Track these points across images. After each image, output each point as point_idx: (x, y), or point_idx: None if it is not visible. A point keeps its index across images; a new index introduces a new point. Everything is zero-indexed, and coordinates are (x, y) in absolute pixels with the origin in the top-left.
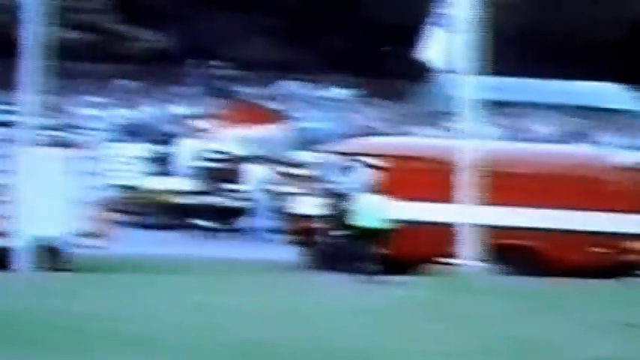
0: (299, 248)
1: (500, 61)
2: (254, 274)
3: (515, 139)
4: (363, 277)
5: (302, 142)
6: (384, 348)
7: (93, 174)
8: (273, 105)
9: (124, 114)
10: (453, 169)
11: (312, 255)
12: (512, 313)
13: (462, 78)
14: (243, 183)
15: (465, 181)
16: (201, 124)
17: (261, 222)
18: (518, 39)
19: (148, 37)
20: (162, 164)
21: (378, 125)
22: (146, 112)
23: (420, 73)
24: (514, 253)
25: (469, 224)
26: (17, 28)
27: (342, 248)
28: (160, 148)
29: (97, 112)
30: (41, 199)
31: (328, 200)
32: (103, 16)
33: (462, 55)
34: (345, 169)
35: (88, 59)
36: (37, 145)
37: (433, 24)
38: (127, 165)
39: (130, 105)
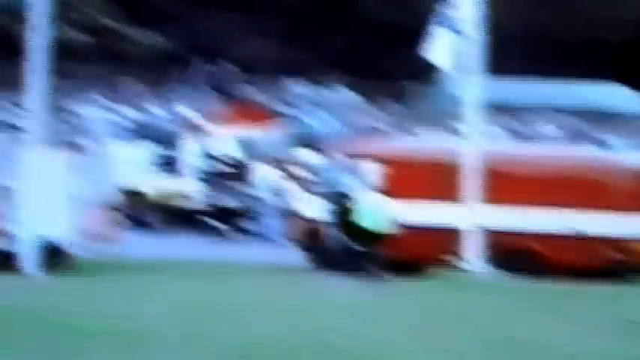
0: (303, 249)
1: (505, 62)
2: (258, 276)
3: (519, 140)
4: (366, 279)
5: (305, 143)
6: (387, 348)
7: (97, 175)
8: (275, 105)
9: (128, 115)
10: (457, 171)
11: (316, 256)
12: (514, 314)
13: (466, 79)
14: (248, 184)
15: (468, 183)
16: (204, 124)
17: (265, 223)
18: (523, 40)
19: (152, 38)
20: (166, 165)
21: (382, 126)
22: (150, 112)
23: (423, 73)
24: (517, 255)
25: (472, 226)
26: (22, 29)
27: (346, 249)
28: (165, 149)
29: (101, 113)
30: (46, 200)
31: (332, 201)
32: (107, 17)
33: (467, 56)
34: (349, 170)
35: (92, 60)
36: (42, 146)
37: (437, 24)
38: (132, 166)
39: (135, 106)
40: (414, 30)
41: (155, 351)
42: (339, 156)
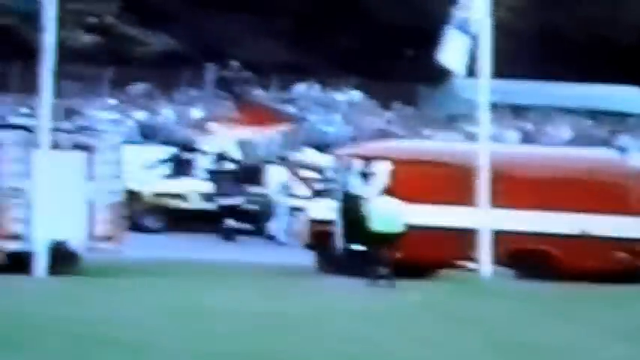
0: (312, 251)
1: (518, 64)
2: (268, 278)
3: (532, 142)
4: (377, 281)
5: (315, 145)
6: (397, 352)
7: (110, 177)
8: (285, 108)
9: (138, 117)
10: (469, 173)
11: (325, 258)
12: (526, 318)
13: (479, 81)
14: (257, 185)
15: (482, 185)
16: (214, 126)
17: (274, 225)
18: (536, 42)
19: (161, 41)
20: (176, 167)
21: (392, 128)
22: (161, 115)
23: (435, 75)
24: (531, 258)
25: (486, 228)
26: (34, 32)
27: (356, 252)
28: (175, 151)
29: (112, 115)
30: (58, 202)
31: (341, 203)
32: (117, 19)
33: (478, 58)
34: (359, 173)
35: (103, 63)
36: (54, 148)
37: (448, 27)
38: (142, 168)
39: (145, 108)
40: (425, 32)
41: (168, 355)
42: (349, 158)
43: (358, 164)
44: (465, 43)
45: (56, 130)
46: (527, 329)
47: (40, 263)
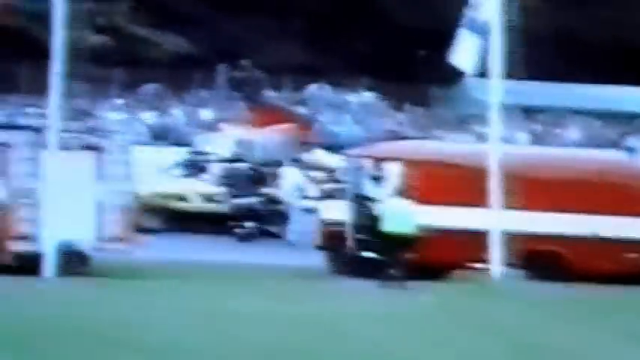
0: (326, 253)
1: (530, 65)
2: (281, 280)
3: (544, 144)
4: (390, 283)
5: (329, 147)
6: (410, 354)
7: (119, 178)
8: (299, 109)
9: (151, 118)
10: (481, 174)
11: (340, 260)
12: (539, 320)
13: (491, 82)
14: (271, 187)
15: (493, 187)
16: (227, 127)
17: (288, 227)
18: (548, 43)
19: (174, 42)
20: (189, 168)
21: (406, 130)
22: (173, 116)
23: (447, 77)
24: (543, 259)
25: (497, 230)
26: (44, 33)
27: (369, 254)
28: (187, 152)
29: (123, 116)
30: (68, 203)
31: (355, 205)
32: (129, 20)
33: (491, 60)
34: (373, 174)
35: (114, 64)
36: (64, 148)
37: (461, 28)
38: (154, 169)
39: (157, 109)
40: (438, 34)
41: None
42: (361, 159)
43: (370, 165)
44: (477, 44)
45: (66, 130)
46: (541, 331)
47: (51, 264)
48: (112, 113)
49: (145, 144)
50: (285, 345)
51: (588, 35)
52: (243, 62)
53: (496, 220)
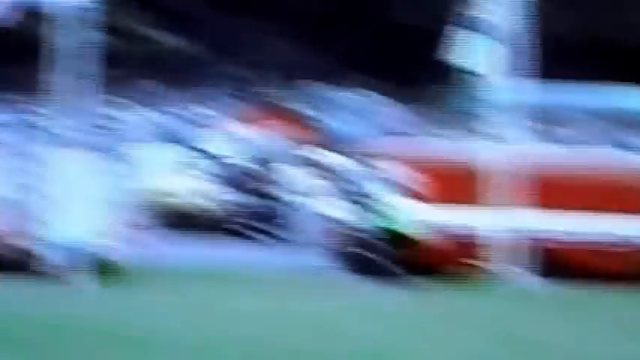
0: (330, 254)
1: (535, 63)
2: (284, 279)
3: (550, 143)
4: (392, 282)
5: (332, 146)
6: (411, 354)
7: (121, 177)
8: (300, 108)
9: (155, 117)
10: (485, 173)
11: (341, 259)
12: (543, 320)
13: (491, 81)
14: (275, 187)
15: (497, 185)
16: (229, 127)
17: (293, 227)
18: (553, 41)
19: (172, 40)
20: (190, 167)
21: (409, 129)
22: (173, 114)
23: (451, 76)
24: (546, 258)
25: (498, 229)
26: (45, 31)
27: (374, 254)
28: (188, 151)
29: (124, 115)
30: (69, 202)
31: (359, 205)
32: (132, 19)
33: (491, 58)
34: (377, 174)
35: (114, 62)
36: (65, 147)
37: (462, 26)
38: (155, 168)
39: (161, 108)
40: (439, 32)
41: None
42: (366, 159)
43: (376, 165)
44: (483, 43)
45: (71, 129)
46: (545, 330)
47: (60, 266)
48: (117, 112)
49: (153, 143)
50: (288, 344)
51: (597, 33)
52: (245, 65)
53: (500, 219)
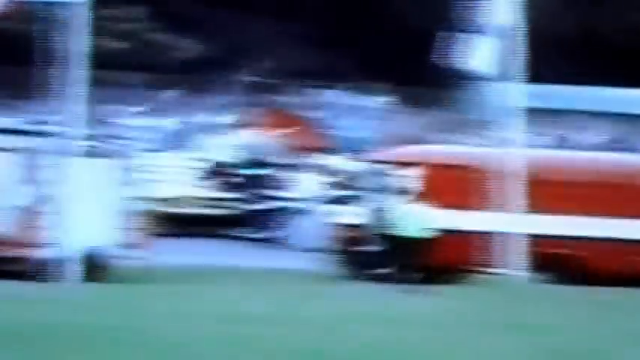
0: (337, 257)
1: (543, 67)
2: (291, 284)
3: (559, 147)
4: (402, 287)
5: (340, 150)
6: (422, 357)
7: (133, 184)
8: (310, 113)
9: (166, 123)
10: (495, 178)
11: (351, 264)
12: (556, 323)
13: (504, 85)
14: (282, 190)
15: (507, 190)
16: (236, 132)
17: (300, 230)
18: (561, 45)
19: (188, 47)
20: (201, 173)
21: (417, 133)
22: (187, 120)
23: (459, 80)
24: (558, 262)
25: (511, 233)
26: (57, 38)
27: (382, 257)
28: (200, 158)
29: (137, 122)
30: (82, 209)
31: (367, 208)
32: (141, 25)
33: (503, 62)
34: (384, 178)
35: (127, 69)
36: (79, 155)
37: (472, 31)
38: (167, 175)
39: (170, 114)
40: (449, 37)
41: None
42: (374, 162)
43: (384, 168)
44: (496, 47)
45: (85, 137)
46: (558, 334)
47: (65, 270)
48: (131, 119)
49: (162, 148)
50: (296, 347)
51: (608, 37)
52: (257, 69)
53: (511, 223)
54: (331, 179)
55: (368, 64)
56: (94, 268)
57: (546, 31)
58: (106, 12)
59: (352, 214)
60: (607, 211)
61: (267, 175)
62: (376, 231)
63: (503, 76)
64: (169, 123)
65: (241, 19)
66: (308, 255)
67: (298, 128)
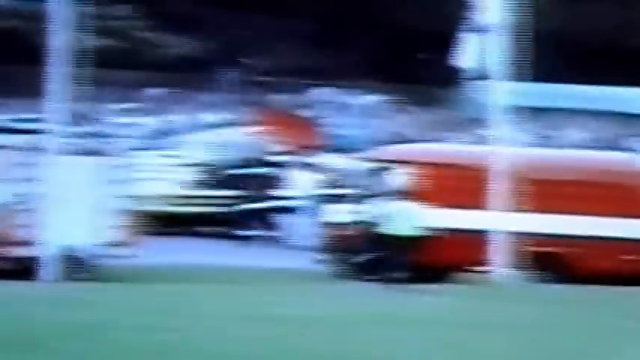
0: (331, 256)
1: (535, 66)
2: (285, 283)
3: (549, 145)
4: (395, 286)
5: (334, 149)
6: (416, 357)
7: (121, 182)
8: (304, 112)
9: (154, 122)
10: (487, 176)
11: (345, 263)
12: (546, 322)
13: (496, 84)
14: (276, 189)
15: (498, 188)
16: (232, 130)
17: (293, 229)
18: (553, 44)
19: (178, 44)
20: (193, 172)
21: (411, 132)
22: (176, 119)
23: (453, 79)
24: (547, 261)
25: (502, 231)
26: (45, 35)
27: (375, 256)
28: (189, 156)
29: (126, 120)
30: (69, 207)
31: (361, 207)
32: (133, 23)
33: (496, 61)
34: (378, 176)
35: (117, 66)
36: (66, 153)
37: (466, 30)
38: (155, 173)
39: (161, 112)
40: (443, 36)
41: None
42: (368, 161)
43: (378, 167)
44: (482, 46)
45: (67, 135)
46: (548, 332)
47: (51, 269)
48: (116, 117)
49: (149, 148)
50: (289, 347)
51: (594, 36)
52: (246, 62)
53: (502, 221)
54: (326, 178)
55: (363, 63)
56: (79, 266)
57: (533, 30)
58: (94, 10)
59: (346, 213)
60: (595, 209)
61: (261, 174)
62: (369, 229)
63: (495, 75)
64: (158, 121)
65: (235, 17)
66: (301, 254)
67: (293, 126)
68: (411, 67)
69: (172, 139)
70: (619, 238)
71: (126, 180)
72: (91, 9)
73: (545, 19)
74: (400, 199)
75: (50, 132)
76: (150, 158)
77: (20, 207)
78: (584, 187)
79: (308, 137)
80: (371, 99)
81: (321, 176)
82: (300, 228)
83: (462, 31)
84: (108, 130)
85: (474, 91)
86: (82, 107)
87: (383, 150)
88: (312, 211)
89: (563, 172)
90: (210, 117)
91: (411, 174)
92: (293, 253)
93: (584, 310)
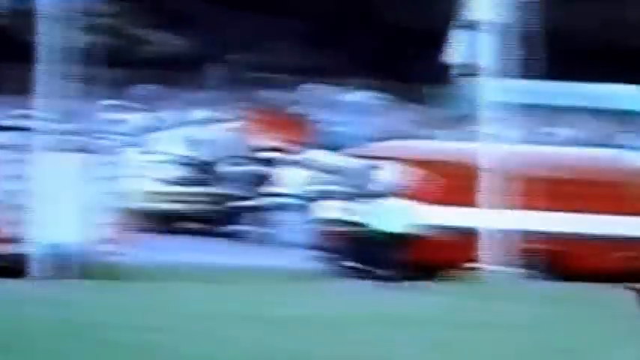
0: (324, 254)
1: (526, 63)
2: (275, 282)
3: (540, 142)
4: (387, 283)
5: (328, 146)
6: (408, 356)
7: (111, 180)
8: (295, 109)
9: (143, 119)
10: (478, 173)
11: (337, 261)
12: (538, 320)
13: (488, 81)
14: (268, 186)
15: (490, 186)
16: (224, 128)
17: (286, 227)
18: (544, 41)
19: (169, 41)
20: (183, 169)
21: (404, 129)
22: (166, 116)
23: (443, 76)
24: (539, 258)
25: (494, 229)
26: (34, 32)
27: (368, 254)
28: (181, 153)
29: (116, 117)
30: (58, 205)
31: (351, 205)
32: (123, 20)
33: (488, 59)
34: (370, 173)
35: (107, 64)
36: (55, 150)
37: (457, 27)
38: (144, 170)
39: (150, 110)
40: (433, 33)
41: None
42: (362, 159)
43: (371, 165)
44: (473, 43)
45: (54, 132)
46: (540, 330)
47: (39, 267)
48: (105, 114)
49: (139, 145)
50: (280, 347)
51: (586, 33)
52: (236, 59)
53: (494, 219)
54: (317, 174)
55: (353, 60)
56: (67, 264)
57: (525, 27)
58: (83, 7)
59: (335, 210)
60: (586, 207)
61: (252, 171)
62: (360, 227)
63: (485, 72)
64: (147, 118)
65: (225, 14)
66: (292, 252)
67: (283, 123)
68: (402, 65)
69: (162, 136)
70: (611, 235)
71: (115, 177)
72: (80, 6)
73: (535, 16)
74: (391, 196)
75: (39, 129)
76: (139, 155)
77: (8, 204)
78: (575, 184)
79: (299, 134)
80: (361, 96)
81: (312, 173)
82: (290, 225)
83: (453, 28)
84: (97, 127)
85: (465, 88)
86: (71, 104)
87: (373, 147)
88: (303, 209)
89: (553, 169)
90: (200, 114)
91: (401, 171)
92: (283, 251)
93: (577, 308)
